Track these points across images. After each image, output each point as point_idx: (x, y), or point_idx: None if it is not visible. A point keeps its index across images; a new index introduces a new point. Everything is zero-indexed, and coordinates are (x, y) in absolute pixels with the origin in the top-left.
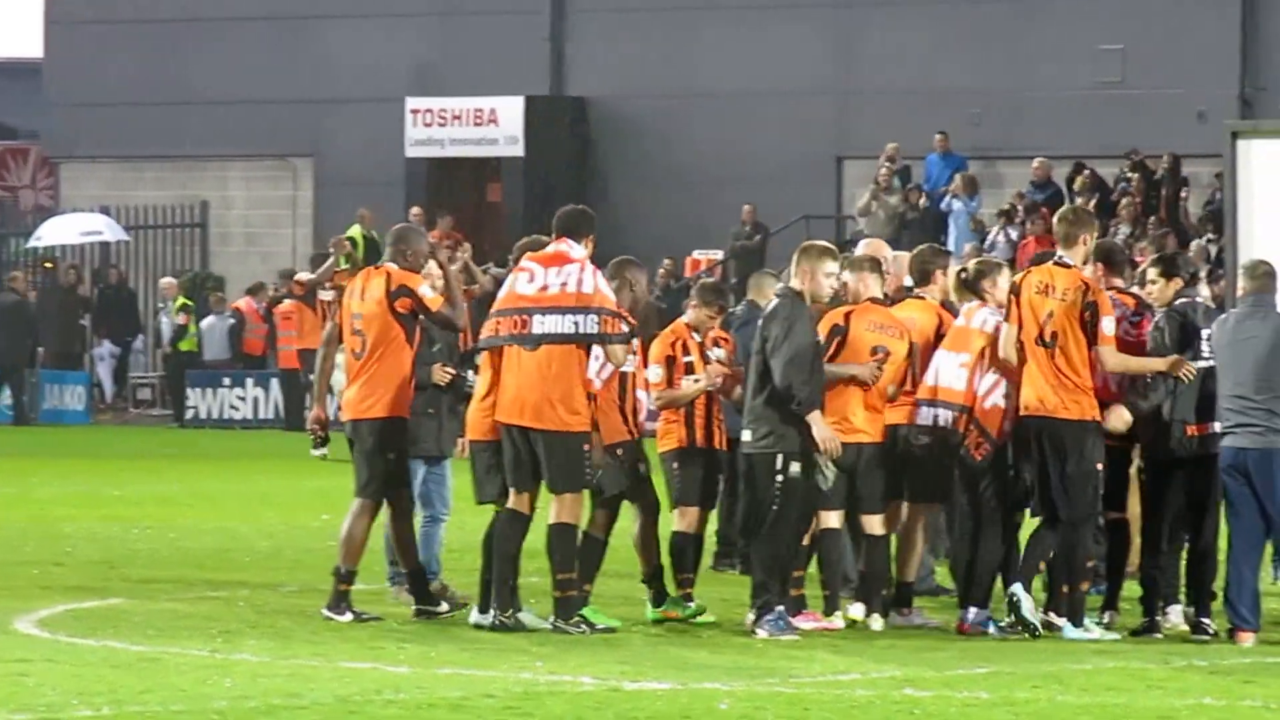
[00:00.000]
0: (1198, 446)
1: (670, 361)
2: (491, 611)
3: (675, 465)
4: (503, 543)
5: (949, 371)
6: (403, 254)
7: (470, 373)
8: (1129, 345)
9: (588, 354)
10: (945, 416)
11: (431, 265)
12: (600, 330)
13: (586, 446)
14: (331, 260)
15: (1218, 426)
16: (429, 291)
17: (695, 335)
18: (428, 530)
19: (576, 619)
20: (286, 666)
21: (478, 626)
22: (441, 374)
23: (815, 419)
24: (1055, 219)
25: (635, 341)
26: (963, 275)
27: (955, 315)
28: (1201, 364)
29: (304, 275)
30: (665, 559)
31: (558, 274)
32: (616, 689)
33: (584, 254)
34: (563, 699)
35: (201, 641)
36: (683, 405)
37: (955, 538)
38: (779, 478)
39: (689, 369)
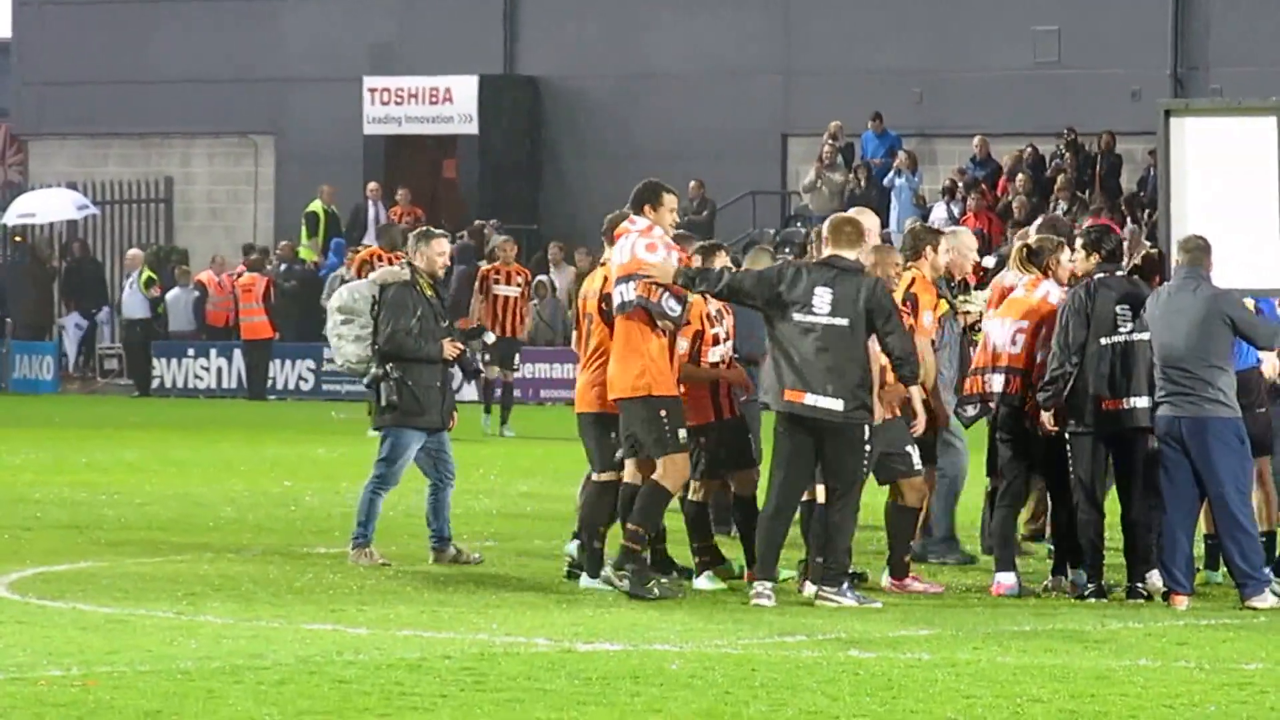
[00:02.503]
0: (1112, 422)
1: (699, 336)
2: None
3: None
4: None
5: (1004, 336)
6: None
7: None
8: None
9: (650, 319)
10: (996, 381)
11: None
12: (637, 296)
13: (662, 412)
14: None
15: (1135, 402)
16: None
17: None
18: (440, 497)
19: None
20: (249, 628)
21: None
22: (451, 349)
23: None
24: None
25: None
26: (1025, 249)
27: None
28: (1117, 339)
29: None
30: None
31: (617, 247)
32: (570, 650)
33: (645, 223)
34: (517, 660)
35: (167, 604)
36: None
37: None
38: (868, 447)
39: (715, 340)
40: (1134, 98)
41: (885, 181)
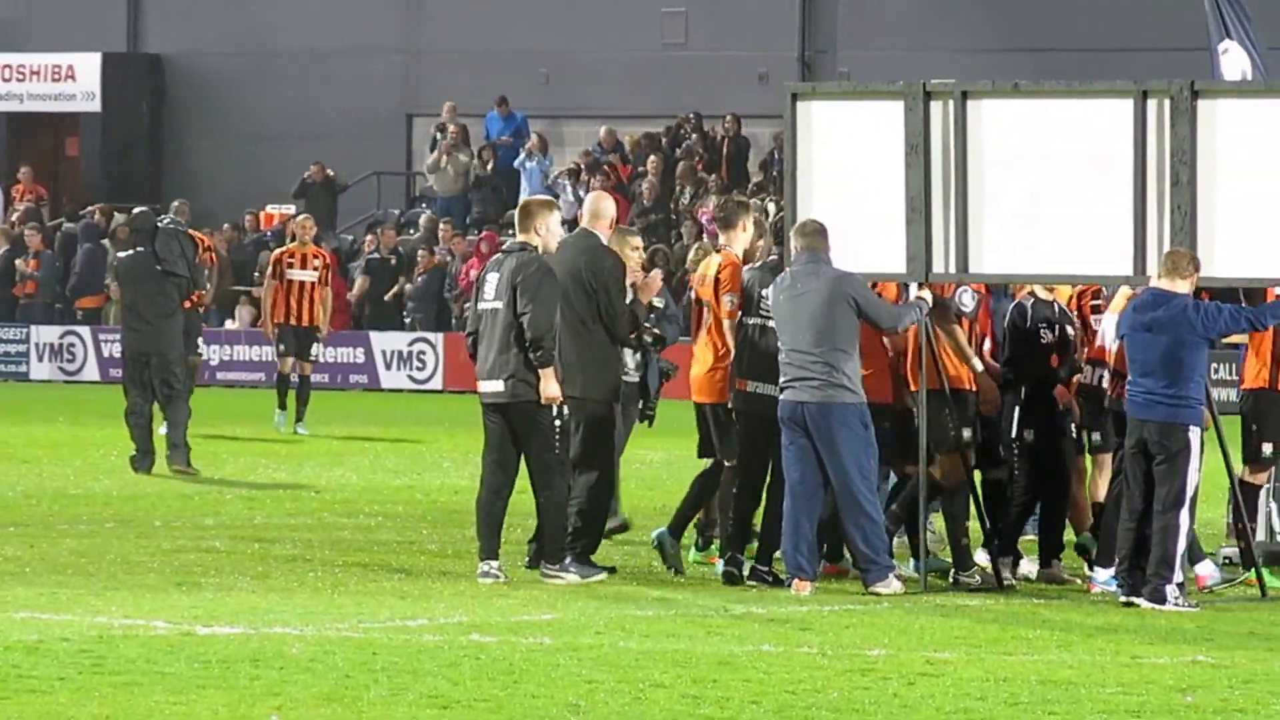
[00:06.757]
0: (742, 402)
1: None
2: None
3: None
4: None
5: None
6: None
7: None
8: None
9: None
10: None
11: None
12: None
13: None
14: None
15: (758, 387)
16: None
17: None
18: None
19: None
20: None
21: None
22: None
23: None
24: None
25: None
26: None
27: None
28: (754, 321)
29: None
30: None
31: None
32: (189, 633)
33: None
34: (136, 643)
35: None
36: None
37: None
38: (558, 423)
39: None
40: (761, 80)
41: (515, 164)
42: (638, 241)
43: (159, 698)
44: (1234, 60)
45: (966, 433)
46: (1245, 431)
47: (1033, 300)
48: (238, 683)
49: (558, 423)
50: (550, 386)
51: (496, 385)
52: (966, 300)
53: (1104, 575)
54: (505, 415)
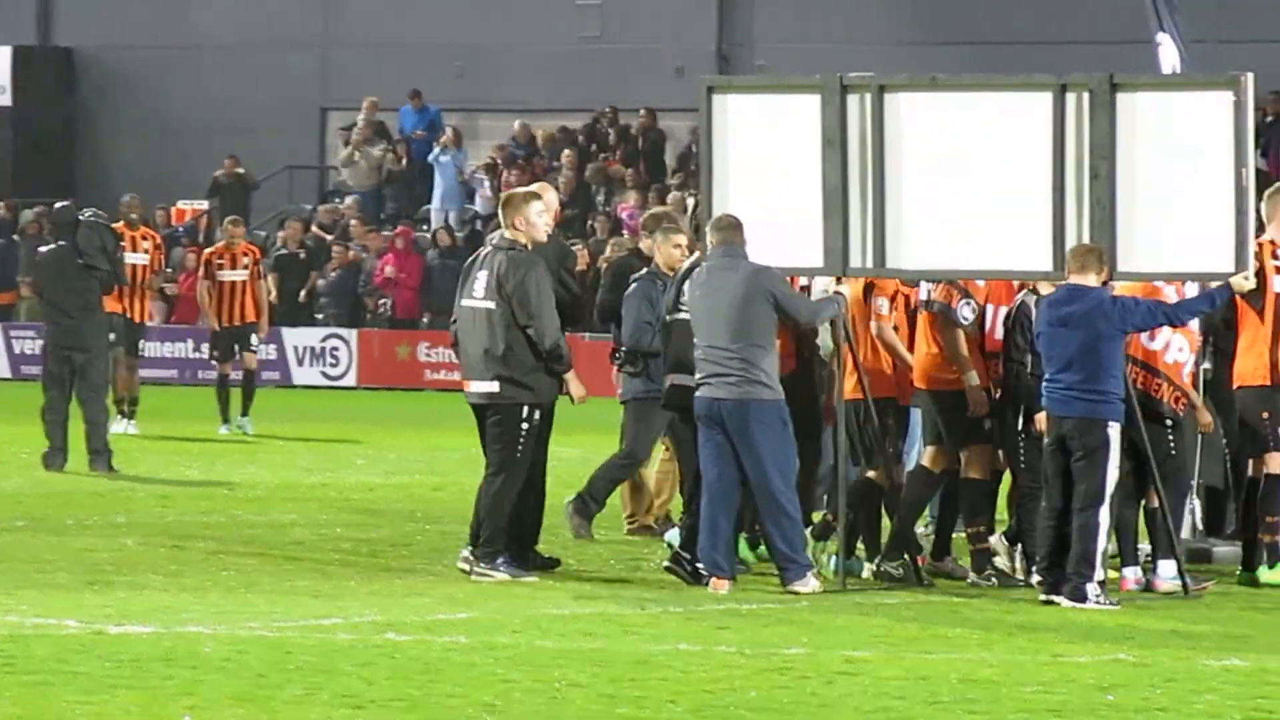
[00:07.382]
0: (670, 398)
1: None
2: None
3: None
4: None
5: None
6: None
7: None
8: None
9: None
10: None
11: None
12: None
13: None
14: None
15: (676, 379)
16: None
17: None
18: None
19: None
20: None
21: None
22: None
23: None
24: None
25: None
26: None
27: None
28: (669, 317)
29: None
30: None
31: None
32: (101, 633)
33: None
34: (47, 642)
35: None
36: None
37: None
38: (525, 426)
39: None
40: (678, 74)
41: (429, 158)
42: (680, 239)
43: (71, 698)
44: (1167, 53)
45: (987, 424)
46: (1255, 423)
47: (1036, 299)
48: (150, 682)
49: (525, 426)
50: (575, 386)
51: (490, 386)
52: (966, 313)
53: (1168, 569)
54: (486, 413)
